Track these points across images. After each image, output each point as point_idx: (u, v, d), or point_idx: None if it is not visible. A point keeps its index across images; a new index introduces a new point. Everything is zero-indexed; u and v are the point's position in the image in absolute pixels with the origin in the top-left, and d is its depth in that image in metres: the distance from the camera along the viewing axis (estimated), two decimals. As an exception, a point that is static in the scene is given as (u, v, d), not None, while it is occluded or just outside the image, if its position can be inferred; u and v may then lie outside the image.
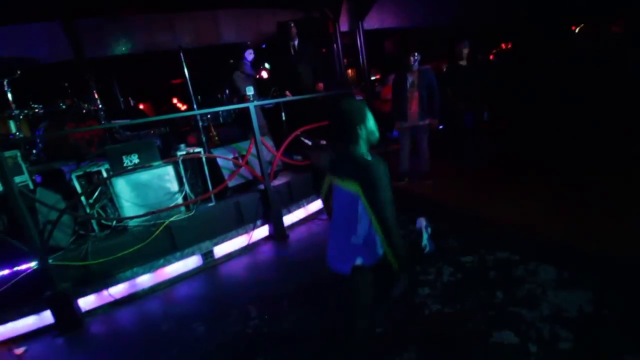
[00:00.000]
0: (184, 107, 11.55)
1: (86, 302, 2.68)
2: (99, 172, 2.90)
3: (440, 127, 5.00)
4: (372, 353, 1.72)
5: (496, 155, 4.97)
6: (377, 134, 1.43)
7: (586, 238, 2.40)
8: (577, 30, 9.07)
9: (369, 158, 1.32)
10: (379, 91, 8.07)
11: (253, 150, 3.42)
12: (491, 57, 10.60)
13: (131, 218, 2.86)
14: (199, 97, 5.05)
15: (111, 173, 2.83)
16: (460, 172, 4.60)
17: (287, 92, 4.75)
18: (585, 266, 2.11)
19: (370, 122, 1.40)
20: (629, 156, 3.99)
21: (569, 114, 6.37)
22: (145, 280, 2.88)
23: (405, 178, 4.53)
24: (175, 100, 11.50)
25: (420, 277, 2.33)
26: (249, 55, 4.81)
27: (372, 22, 7.36)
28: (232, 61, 4.99)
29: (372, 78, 11.25)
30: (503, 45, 10.64)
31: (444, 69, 8.50)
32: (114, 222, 2.87)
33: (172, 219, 2.93)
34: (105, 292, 2.71)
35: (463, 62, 4.56)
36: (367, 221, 1.35)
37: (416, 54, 4.09)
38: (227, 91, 6.07)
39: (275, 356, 1.87)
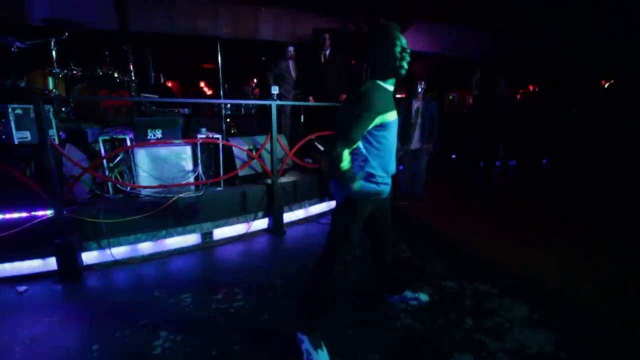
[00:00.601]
0: (209, 92, 11.90)
1: (89, 257, 2.88)
2: (124, 140, 3.12)
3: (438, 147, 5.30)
4: (337, 352, 1.87)
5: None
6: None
7: (562, 284, 2.50)
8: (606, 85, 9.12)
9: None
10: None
11: (267, 145, 3.61)
12: (518, 96, 10.68)
13: (145, 187, 3.07)
14: (226, 85, 5.29)
15: (134, 143, 3.04)
16: (462, 200, 4.72)
17: (310, 98, 4.95)
18: (555, 310, 2.22)
19: None
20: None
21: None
22: (146, 247, 3.07)
23: (407, 199, 4.69)
24: (202, 84, 11.85)
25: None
26: (290, 50, 4.98)
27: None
28: (263, 59, 5.22)
29: (397, 96, 11.38)
30: (530, 87, 10.70)
31: (470, 100, 8.63)
32: (128, 188, 3.08)
33: (181, 195, 3.12)
34: (107, 251, 2.91)
35: (474, 92, 4.83)
36: None
37: (423, 82, 4.34)
38: (252, 85, 6.30)
39: (252, 336, 2.02)
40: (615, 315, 2.16)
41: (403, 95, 11.24)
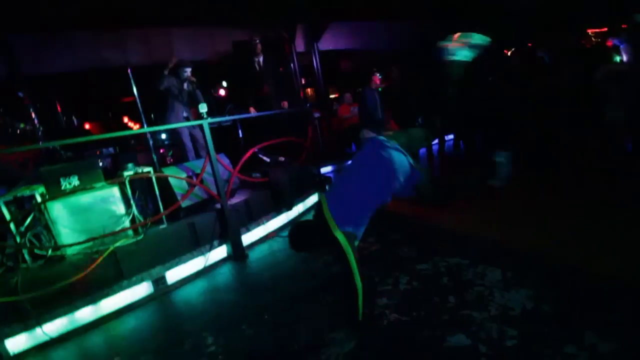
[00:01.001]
0: (136, 126, 11.01)
1: (16, 344, 2.36)
2: (32, 197, 2.64)
3: None
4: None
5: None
6: None
7: (525, 242, 2.61)
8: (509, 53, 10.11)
9: None
10: (336, 109, 8.32)
11: (208, 168, 3.33)
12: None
13: (69, 246, 2.62)
14: (152, 115, 4.87)
15: (46, 197, 2.58)
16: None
17: (251, 108, 4.75)
18: (525, 267, 2.28)
19: None
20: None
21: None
22: (86, 314, 2.61)
23: None
24: (126, 119, 10.93)
25: (379, 287, 2.36)
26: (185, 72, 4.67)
27: (327, 43, 7.65)
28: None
29: (331, 96, 11.57)
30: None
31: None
32: (49, 251, 2.61)
33: (117, 244, 2.73)
34: (38, 331, 2.41)
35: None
36: None
37: (378, 73, 4.54)
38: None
39: (232, 383, 1.76)
40: (581, 260, 2.26)
41: (336, 95, 11.53)
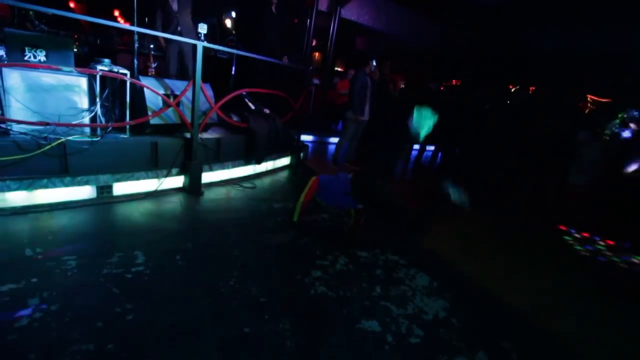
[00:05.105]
0: (126, 25, 10.08)
1: None
2: (-13, 56, 2.38)
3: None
4: (248, 320, 1.78)
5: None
6: None
7: (459, 260, 2.80)
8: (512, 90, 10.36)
9: None
10: (335, 83, 8.13)
11: (189, 93, 3.16)
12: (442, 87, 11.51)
13: (18, 122, 2.41)
14: (146, 18, 4.46)
15: (5, 61, 2.33)
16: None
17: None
18: (451, 282, 2.47)
19: None
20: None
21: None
22: (18, 197, 2.48)
23: (341, 163, 5.26)
24: (116, 13, 9.96)
25: (317, 261, 2.45)
26: None
27: (350, 12, 7.33)
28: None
29: (336, 69, 11.26)
30: (454, 82, 11.56)
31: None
32: (-7, 121, 2.39)
33: (70, 137, 2.56)
34: (-41, 198, 2.27)
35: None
36: None
37: (374, 58, 4.49)
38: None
39: (150, 305, 1.79)
40: (492, 284, 2.49)
41: (341, 69, 11.24)
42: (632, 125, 4.33)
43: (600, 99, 9.76)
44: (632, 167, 4.01)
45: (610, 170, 4.19)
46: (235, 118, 4.00)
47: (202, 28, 2.93)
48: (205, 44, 2.98)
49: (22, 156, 2.36)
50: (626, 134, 4.46)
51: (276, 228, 2.91)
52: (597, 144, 4.16)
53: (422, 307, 2.11)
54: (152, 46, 5.91)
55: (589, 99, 9.91)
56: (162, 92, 3.13)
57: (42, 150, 2.42)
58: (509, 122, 5.00)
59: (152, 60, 5.13)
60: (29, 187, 2.49)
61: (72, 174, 2.64)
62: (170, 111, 3.21)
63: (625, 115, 4.42)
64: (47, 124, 2.46)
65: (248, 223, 2.97)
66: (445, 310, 2.12)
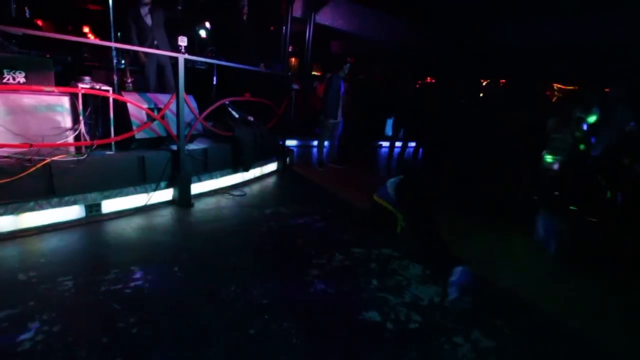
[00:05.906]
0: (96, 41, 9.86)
1: None
2: (-37, 81, 2.33)
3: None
4: (253, 322, 1.82)
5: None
6: None
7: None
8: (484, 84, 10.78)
9: None
10: (315, 86, 8.24)
11: (172, 106, 3.18)
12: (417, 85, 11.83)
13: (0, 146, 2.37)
14: (119, 33, 4.43)
15: (-19, 86, 2.30)
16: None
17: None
18: (441, 267, 2.58)
19: None
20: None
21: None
22: (5, 223, 2.43)
23: (326, 165, 5.50)
24: (86, 30, 9.75)
25: (314, 260, 2.52)
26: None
27: (325, 17, 7.47)
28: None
29: (313, 73, 11.39)
30: (428, 79, 11.90)
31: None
32: (-27, 146, 2.34)
33: (55, 158, 2.53)
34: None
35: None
36: None
37: (349, 63, 4.73)
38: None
39: (154, 317, 1.80)
40: (486, 270, 2.61)
41: (319, 73, 11.39)
42: (595, 110, 4.62)
43: (566, 87, 10.29)
44: (598, 150, 4.28)
45: (581, 152, 4.45)
46: (219, 127, 4.03)
47: (183, 41, 2.97)
48: (187, 56, 3.01)
49: (6, 180, 2.32)
50: (591, 118, 4.76)
51: (270, 233, 2.96)
52: (567, 128, 4.42)
53: (417, 295, 2.21)
54: (123, 61, 5.86)
55: (555, 87, 10.43)
56: (145, 106, 3.13)
57: (27, 172, 2.39)
58: (485, 114, 5.24)
59: (128, 75, 5.09)
60: (15, 212, 2.44)
61: (59, 194, 2.61)
62: (155, 124, 3.22)
63: (588, 101, 4.70)
64: (31, 145, 2.42)
65: (241, 230, 3.00)
66: (438, 295, 2.23)
